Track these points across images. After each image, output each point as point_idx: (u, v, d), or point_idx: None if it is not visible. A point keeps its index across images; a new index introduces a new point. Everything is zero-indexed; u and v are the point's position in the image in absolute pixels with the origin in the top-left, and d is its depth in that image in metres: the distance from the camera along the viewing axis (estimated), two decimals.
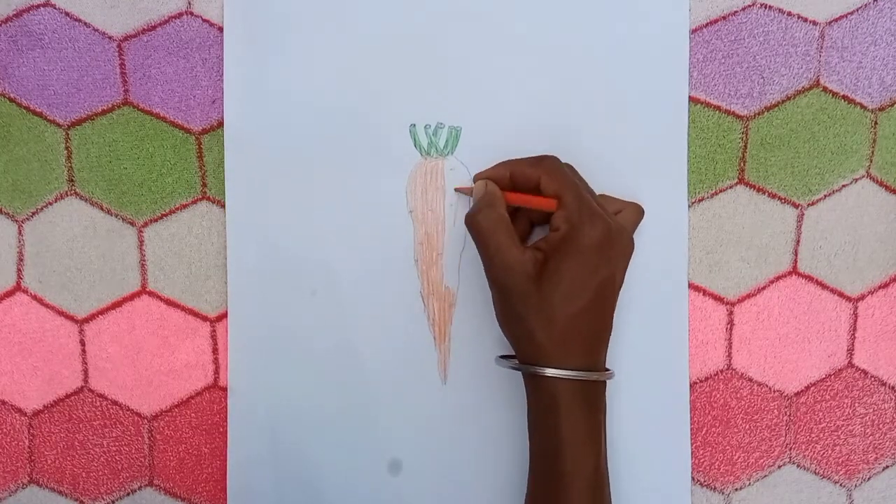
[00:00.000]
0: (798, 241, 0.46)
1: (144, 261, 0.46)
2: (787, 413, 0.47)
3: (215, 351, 0.46)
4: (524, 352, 0.39)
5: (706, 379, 0.46)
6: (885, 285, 0.46)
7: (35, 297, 0.46)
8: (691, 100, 0.46)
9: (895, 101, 0.46)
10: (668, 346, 0.46)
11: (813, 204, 0.46)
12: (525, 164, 0.41)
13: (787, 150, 0.46)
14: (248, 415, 0.46)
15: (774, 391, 0.47)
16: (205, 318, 0.46)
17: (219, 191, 0.46)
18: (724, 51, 0.46)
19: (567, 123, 0.45)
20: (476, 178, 0.44)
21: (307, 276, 0.46)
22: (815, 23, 0.46)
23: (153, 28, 0.46)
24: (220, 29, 0.46)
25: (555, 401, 0.38)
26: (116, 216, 0.46)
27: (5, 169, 0.46)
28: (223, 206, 0.46)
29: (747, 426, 0.46)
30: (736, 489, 0.47)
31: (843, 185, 0.46)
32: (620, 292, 0.41)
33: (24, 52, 0.46)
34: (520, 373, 0.40)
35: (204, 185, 0.46)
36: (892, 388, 0.47)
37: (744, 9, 0.46)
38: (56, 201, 0.46)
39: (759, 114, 0.46)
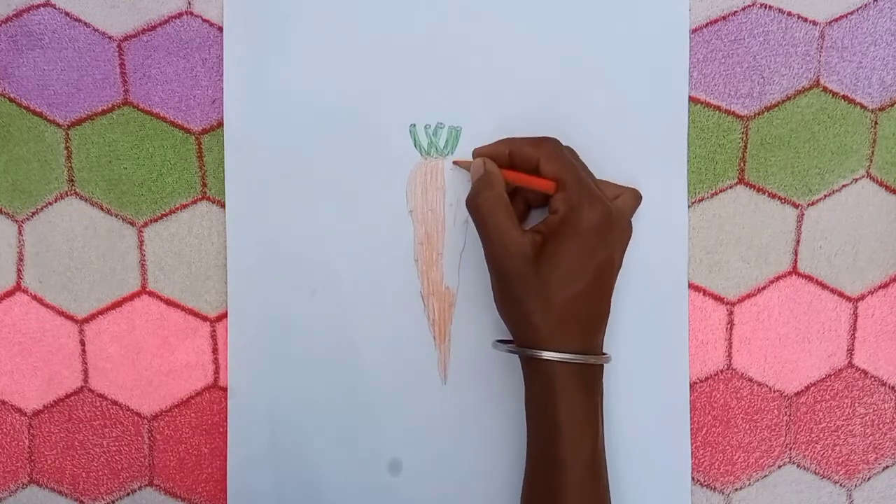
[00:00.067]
0: (798, 241, 0.46)
1: (144, 261, 0.46)
2: (787, 413, 0.47)
3: (215, 351, 0.46)
4: (522, 335, 0.39)
5: (706, 379, 0.46)
6: (885, 285, 0.46)
7: (35, 297, 0.46)
8: (691, 100, 0.46)
9: (895, 101, 0.46)
10: (668, 347, 0.46)
11: (813, 204, 0.46)
12: (525, 144, 0.41)
13: (787, 150, 0.46)
14: (248, 415, 0.46)
15: (774, 391, 0.47)
16: (205, 318, 0.46)
17: (219, 191, 0.46)
18: (724, 51, 0.46)
19: (567, 123, 0.45)
20: (475, 154, 0.44)
21: (307, 275, 0.46)
22: (815, 23, 0.46)
23: (153, 28, 0.46)
24: (220, 29, 0.46)
25: (552, 384, 0.38)
26: (116, 216, 0.46)
27: (5, 169, 0.46)
28: (223, 206, 0.46)
29: (747, 426, 0.46)
30: (736, 489, 0.47)
31: (843, 185, 0.46)
32: (620, 292, 0.41)
33: (24, 52, 0.46)
34: (520, 367, 0.40)
35: (204, 185, 0.46)
36: (892, 388, 0.47)
37: (744, 9, 0.46)
38: (56, 201, 0.46)
39: (759, 114, 0.46)
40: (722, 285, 0.46)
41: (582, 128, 0.45)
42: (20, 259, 0.46)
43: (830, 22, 0.46)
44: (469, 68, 0.46)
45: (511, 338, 0.41)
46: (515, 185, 0.41)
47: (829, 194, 0.46)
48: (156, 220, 0.46)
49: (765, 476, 0.47)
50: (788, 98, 0.46)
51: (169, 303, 0.46)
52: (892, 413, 0.47)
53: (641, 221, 0.44)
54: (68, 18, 0.46)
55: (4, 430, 0.46)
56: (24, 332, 0.46)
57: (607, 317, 0.40)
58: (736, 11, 0.46)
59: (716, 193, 0.46)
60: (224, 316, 0.46)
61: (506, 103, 0.45)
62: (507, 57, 0.46)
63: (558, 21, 0.46)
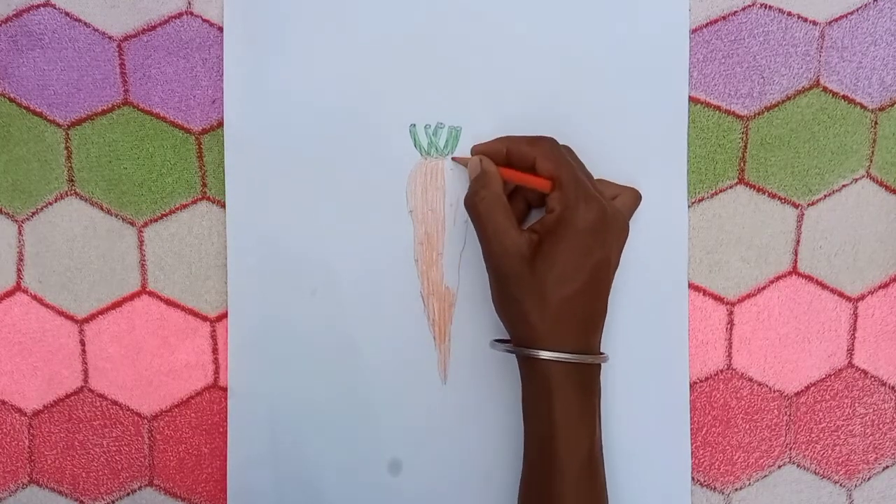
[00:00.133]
0: (798, 241, 0.46)
1: (144, 261, 0.46)
2: (787, 413, 0.47)
3: (215, 351, 0.46)
4: (518, 335, 0.39)
5: (706, 379, 0.46)
6: (885, 285, 0.46)
7: (35, 297, 0.46)
8: (691, 100, 0.46)
9: (895, 101, 0.46)
10: (668, 346, 0.46)
11: (813, 204, 0.46)
12: (522, 143, 0.41)
13: (787, 150, 0.46)
14: (248, 415, 0.46)
15: (774, 391, 0.47)
16: (205, 318, 0.46)
17: (219, 191, 0.46)
18: (724, 51, 0.46)
19: (567, 123, 0.45)
20: (473, 151, 0.44)
21: (307, 275, 0.46)
22: (815, 23, 0.46)
23: (153, 28, 0.46)
24: (220, 29, 0.46)
25: (548, 384, 0.38)
26: (116, 216, 0.46)
27: (5, 169, 0.46)
28: (223, 206, 0.46)
29: (747, 426, 0.46)
30: (736, 489, 0.47)
31: (843, 185, 0.46)
32: (620, 292, 0.41)
33: (24, 52, 0.46)
34: (517, 364, 0.40)
35: (204, 185, 0.46)
36: (892, 388, 0.47)
37: (744, 9, 0.46)
38: (56, 201, 0.46)
39: (759, 114, 0.46)
40: (722, 285, 0.46)
41: (582, 128, 0.45)
42: (20, 259, 0.46)
43: (830, 22, 0.46)
44: (469, 68, 0.46)
45: (509, 337, 0.41)
46: (513, 183, 0.41)
47: (829, 194, 0.46)
48: (156, 220, 0.46)
49: (765, 476, 0.47)
50: (788, 98, 0.46)
51: (169, 303, 0.46)
52: (892, 413, 0.47)
53: (641, 221, 0.44)
54: (68, 18, 0.46)
55: (4, 430, 0.46)
56: (24, 332, 0.46)
57: (604, 316, 0.40)
58: (736, 11, 0.46)
59: (716, 193, 0.46)
60: (224, 316, 0.46)
61: (506, 103, 0.45)
62: (507, 57, 0.46)
63: (558, 21, 0.46)
